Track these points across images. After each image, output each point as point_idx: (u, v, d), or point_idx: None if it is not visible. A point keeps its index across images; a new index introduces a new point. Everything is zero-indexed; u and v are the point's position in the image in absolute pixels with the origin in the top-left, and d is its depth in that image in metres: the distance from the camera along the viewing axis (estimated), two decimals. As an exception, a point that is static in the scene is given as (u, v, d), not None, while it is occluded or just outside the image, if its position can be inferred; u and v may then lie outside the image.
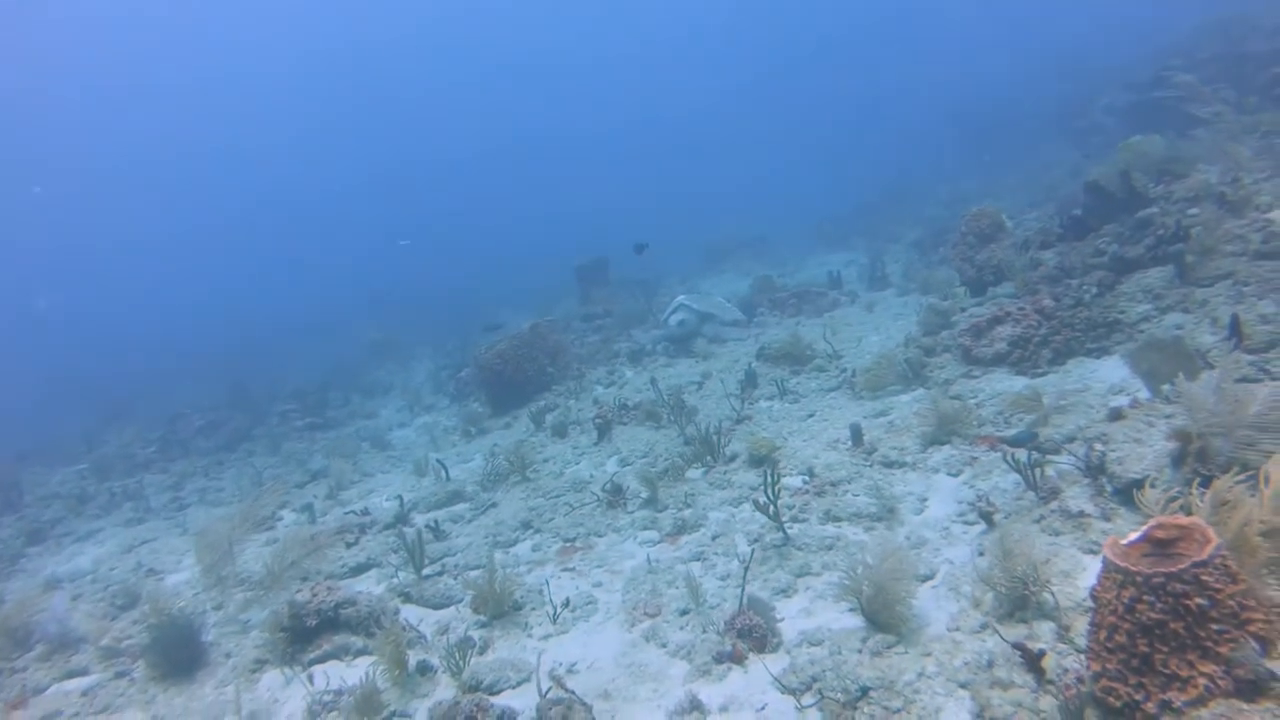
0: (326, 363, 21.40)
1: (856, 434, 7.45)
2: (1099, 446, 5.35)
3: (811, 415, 8.94)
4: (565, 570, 6.81)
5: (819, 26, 63.85)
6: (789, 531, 6.20)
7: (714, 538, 6.62)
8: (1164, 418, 5.41)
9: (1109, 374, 7.30)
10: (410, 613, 6.62)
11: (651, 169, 58.82)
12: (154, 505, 11.20)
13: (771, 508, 6.09)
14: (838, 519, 6.28)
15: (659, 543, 6.92)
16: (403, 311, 27.25)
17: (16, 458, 14.34)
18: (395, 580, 7.11)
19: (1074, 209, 10.72)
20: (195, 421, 15.52)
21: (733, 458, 8.15)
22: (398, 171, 68.74)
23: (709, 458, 8.21)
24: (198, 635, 6.25)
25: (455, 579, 6.93)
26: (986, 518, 5.44)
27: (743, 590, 5.30)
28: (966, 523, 5.71)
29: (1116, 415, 5.71)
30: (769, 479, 6.22)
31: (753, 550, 5.94)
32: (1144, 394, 6.25)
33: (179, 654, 6.02)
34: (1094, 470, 5.24)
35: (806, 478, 7.16)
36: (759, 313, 15.55)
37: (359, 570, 7.74)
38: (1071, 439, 6.11)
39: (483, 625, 6.07)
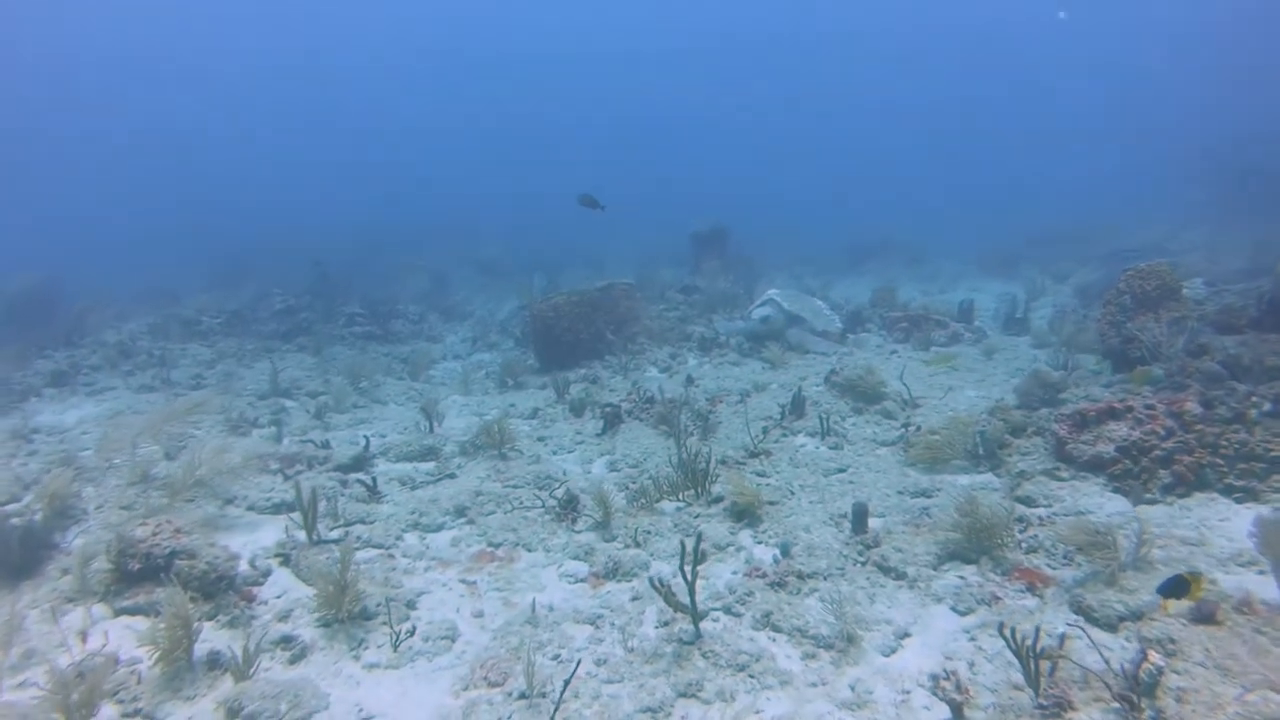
0: (435, 272, 21.16)
1: (860, 517, 5.71)
2: (1156, 657, 3.48)
3: (842, 471, 7.22)
4: (465, 581, 5.67)
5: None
6: (704, 627, 4.70)
7: (634, 598, 5.24)
8: (1280, 644, 3.46)
9: (1242, 531, 5.16)
10: (281, 580, 5.73)
11: (840, 161, 55.88)
12: (174, 378, 11.06)
13: (688, 591, 4.61)
14: (777, 628, 4.70)
15: (582, 579, 5.63)
16: (538, 242, 26.79)
17: (100, 302, 14.90)
18: (286, 538, 6.20)
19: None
20: (276, 303, 15.57)
21: (717, 499, 6.63)
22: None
23: (692, 491, 6.74)
24: (46, 537, 5.62)
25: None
26: (955, 709, 3.73)
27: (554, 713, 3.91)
28: (939, 696, 4.00)
29: (1207, 615, 3.74)
30: (692, 550, 4.71)
31: (579, 661, 4.43)
32: (1270, 592, 4.17)
33: (11, 555, 5.38)
34: (1134, 691, 3.40)
35: (779, 555, 5.57)
36: (865, 328, 13.56)
37: (280, 509, 6.94)
38: (1128, 618, 4.19)
39: (322, 625, 5.04)
